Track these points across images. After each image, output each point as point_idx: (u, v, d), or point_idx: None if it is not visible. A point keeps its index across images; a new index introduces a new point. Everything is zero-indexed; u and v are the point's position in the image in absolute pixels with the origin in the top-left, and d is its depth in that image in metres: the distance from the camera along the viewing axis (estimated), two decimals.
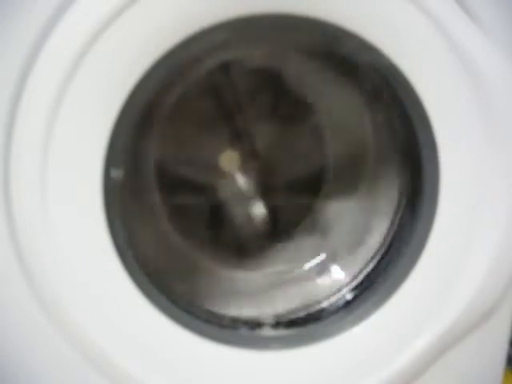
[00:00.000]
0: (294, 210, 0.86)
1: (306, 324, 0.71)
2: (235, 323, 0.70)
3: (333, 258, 0.80)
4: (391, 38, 0.60)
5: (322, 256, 0.81)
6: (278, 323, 0.71)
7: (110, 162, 0.58)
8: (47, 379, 0.63)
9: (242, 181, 0.84)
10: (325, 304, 0.73)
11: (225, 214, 0.85)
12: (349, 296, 0.73)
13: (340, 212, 0.82)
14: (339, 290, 0.74)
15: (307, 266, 0.81)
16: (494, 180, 0.64)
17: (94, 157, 0.58)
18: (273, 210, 0.86)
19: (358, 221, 0.81)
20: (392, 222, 0.73)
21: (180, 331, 0.63)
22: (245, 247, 0.84)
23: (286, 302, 0.75)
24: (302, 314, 0.73)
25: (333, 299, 0.73)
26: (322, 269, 0.80)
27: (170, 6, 0.56)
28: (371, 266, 0.74)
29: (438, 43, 0.60)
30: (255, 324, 0.71)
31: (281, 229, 0.85)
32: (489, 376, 0.74)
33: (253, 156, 0.84)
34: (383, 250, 0.73)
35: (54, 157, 0.56)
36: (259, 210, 0.83)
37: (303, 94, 0.81)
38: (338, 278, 0.77)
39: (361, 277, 0.74)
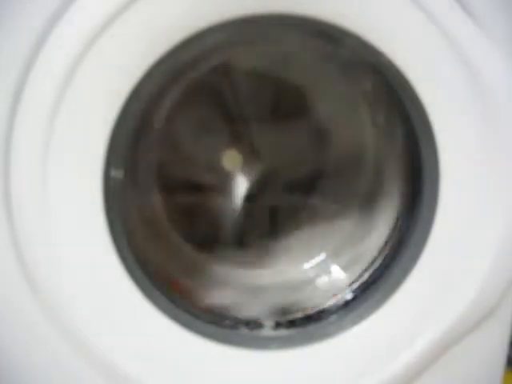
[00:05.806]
0: (294, 210, 0.85)
1: (305, 324, 0.71)
2: (235, 323, 0.70)
3: (333, 258, 0.80)
4: (391, 37, 0.60)
5: (322, 256, 0.81)
6: (278, 323, 0.71)
7: (110, 162, 0.59)
8: (47, 379, 0.63)
9: (242, 180, 0.84)
10: (325, 304, 0.73)
11: (225, 213, 0.85)
12: (349, 296, 0.72)
13: (340, 212, 0.82)
14: (339, 289, 0.74)
15: (307, 265, 0.81)
16: (494, 180, 0.64)
17: (94, 157, 0.58)
18: (273, 210, 0.86)
19: (358, 221, 0.80)
20: (392, 222, 0.73)
21: (180, 331, 0.63)
22: (245, 247, 0.84)
23: (286, 302, 0.75)
24: (301, 314, 0.73)
25: (333, 299, 0.73)
26: (322, 269, 0.80)
27: (170, 7, 0.56)
28: (371, 266, 0.74)
29: (438, 43, 0.60)
30: (255, 324, 0.71)
31: (281, 229, 0.85)
32: (489, 376, 0.74)
33: (253, 156, 0.84)
34: (383, 250, 0.73)
35: (54, 157, 0.56)
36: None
37: (303, 94, 0.81)
38: (338, 278, 0.77)
39: (361, 277, 0.74)
